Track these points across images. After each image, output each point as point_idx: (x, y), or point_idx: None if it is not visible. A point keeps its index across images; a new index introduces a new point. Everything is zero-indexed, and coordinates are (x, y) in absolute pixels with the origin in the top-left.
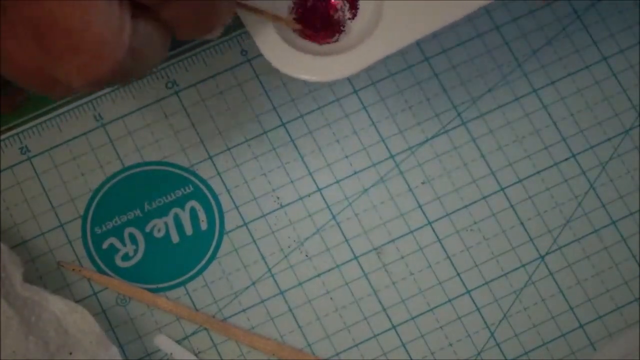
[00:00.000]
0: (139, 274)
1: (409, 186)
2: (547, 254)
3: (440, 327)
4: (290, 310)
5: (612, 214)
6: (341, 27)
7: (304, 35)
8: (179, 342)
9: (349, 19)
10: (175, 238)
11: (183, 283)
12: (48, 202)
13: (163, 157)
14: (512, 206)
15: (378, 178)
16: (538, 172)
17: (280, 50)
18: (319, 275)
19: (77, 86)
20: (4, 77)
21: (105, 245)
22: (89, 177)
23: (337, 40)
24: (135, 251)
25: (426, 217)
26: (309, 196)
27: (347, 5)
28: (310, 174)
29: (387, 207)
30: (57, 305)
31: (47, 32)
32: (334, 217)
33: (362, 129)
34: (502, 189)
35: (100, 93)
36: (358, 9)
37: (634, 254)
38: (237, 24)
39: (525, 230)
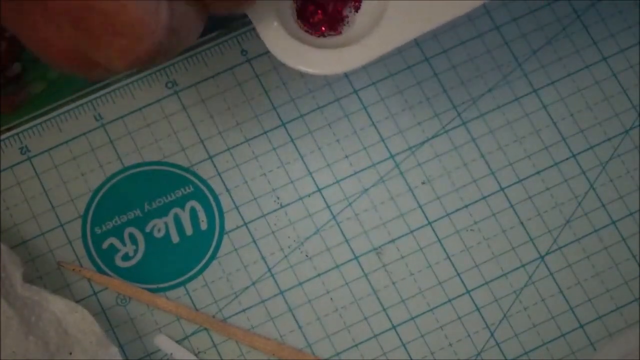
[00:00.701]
0: (139, 274)
1: (409, 186)
2: (547, 254)
3: (440, 327)
4: (290, 310)
5: (612, 214)
6: (345, 20)
7: (306, 27)
8: (179, 342)
9: (354, 10)
10: (175, 238)
11: (183, 283)
12: (48, 202)
13: (163, 157)
14: (512, 206)
15: (378, 178)
16: (538, 172)
17: (284, 42)
18: (319, 275)
19: (118, 69)
20: (3, 77)
21: (105, 245)
22: (89, 177)
23: (340, 33)
24: (135, 251)
25: (426, 217)
26: (309, 196)
27: None
28: (310, 174)
29: (387, 207)
30: (57, 305)
31: (85, 17)
32: (334, 217)
33: (362, 129)
34: (502, 189)
35: (100, 93)
36: (362, 1)
37: (634, 254)
38: (238, 24)
39: (525, 230)
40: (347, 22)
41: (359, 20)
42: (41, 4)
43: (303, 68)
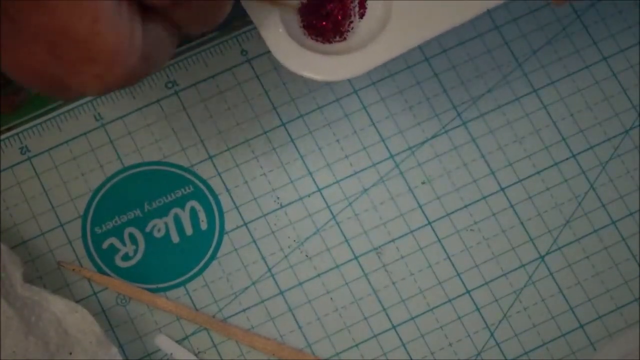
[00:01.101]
0: (139, 274)
1: (409, 186)
2: (547, 254)
3: (440, 327)
4: (290, 310)
5: (612, 214)
6: (349, 27)
7: (311, 34)
8: (179, 342)
9: (358, 17)
10: (175, 238)
11: (183, 283)
12: (48, 202)
13: (163, 157)
14: (512, 206)
15: (378, 178)
16: (538, 172)
17: (289, 48)
18: (319, 275)
19: (90, 94)
20: (4, 77)
21: (105, 245)
22: (89, 177)
23: (345, 40)
24: (135, 251)
25: (426, 217)
26: (309, 196)
27: (357, 4)
28: (310, 174)
29: (387, 207)
30: (57, 305)
31: (59, 42)
32: (334, 217)
33: (362, 129)
34: (502, 189)
35: None
36: (367, 8)
37: (634, 254)
38: (238, 24)
39: (525, 230)
40: (352, 29)
41: (363, 27)
42: (15, 28)
43: (308, 74)
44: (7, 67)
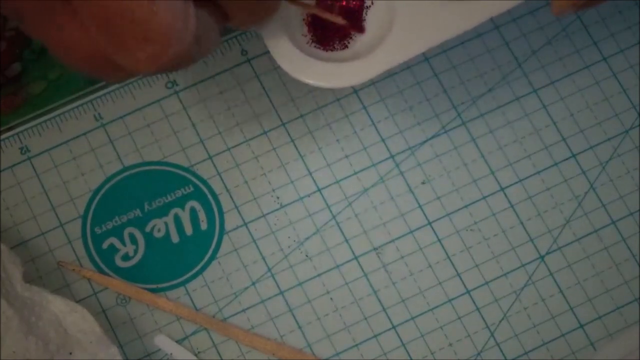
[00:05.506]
0: (139, 274)
1: (409, 186)
2: (547, 254)
3: (440, 327)
4: (290, 310)
5: (612, 214)
6: (351, 35)
7: (317, 43)
8: (179, 342)
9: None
10: (175, 238)
11: (183, 283)
12: (48, 202)
13: (163, 157)
14: (512, 206)
15: (378, 178)
16: (538, 172)
17: (293, 56)
18: (319, 275)
19: (142, 74)
20: (3, 77)
21: (105, 245)
22: (89, 177)
23: (346, 47)
24: (135, 251)
25: (426, 217)
26: (309, 196)
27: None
28: (310, 174)
29: (387, 207)
30: (57, 305)
31: (114, 21)
32: (334, 217)
33: (362, 129)
34: (502, 189)
35: (100, 93)
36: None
37: (634, 254)
38: None
39: (525, 230)
40: (353, 37)
41: (366, 35)
42: (70, 7)
43: (312, 81)
44: (58, 49)
